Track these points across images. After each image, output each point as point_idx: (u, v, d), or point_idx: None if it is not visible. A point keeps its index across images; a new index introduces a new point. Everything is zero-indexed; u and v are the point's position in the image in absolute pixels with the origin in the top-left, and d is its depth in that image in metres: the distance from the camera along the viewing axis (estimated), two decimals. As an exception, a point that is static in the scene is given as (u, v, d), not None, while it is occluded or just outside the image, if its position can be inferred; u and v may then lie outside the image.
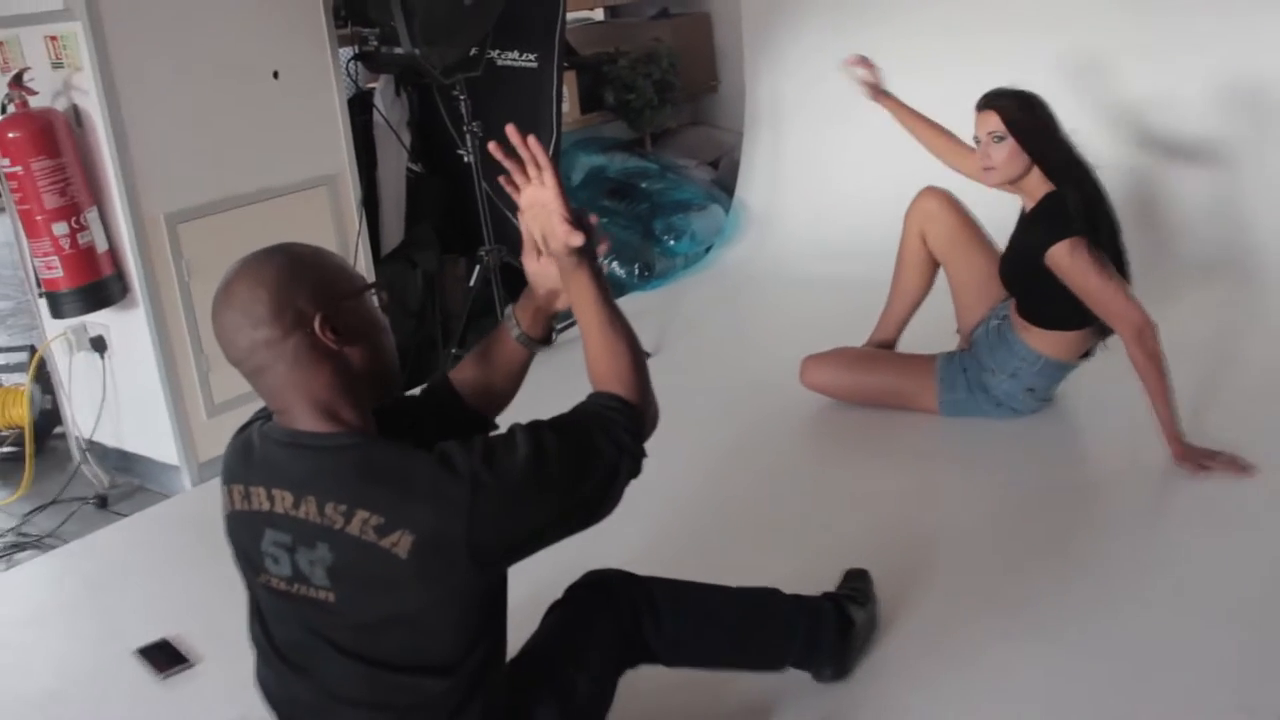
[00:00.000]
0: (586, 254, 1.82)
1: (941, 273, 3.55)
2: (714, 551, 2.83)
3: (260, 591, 1.74)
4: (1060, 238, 2.99)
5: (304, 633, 1.70)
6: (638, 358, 1.87)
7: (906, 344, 3.66)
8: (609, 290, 1.87)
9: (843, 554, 2.74)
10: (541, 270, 1.95)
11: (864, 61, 3.57)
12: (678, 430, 3.59)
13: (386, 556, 1.57)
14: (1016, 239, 3.21)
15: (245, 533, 1.70)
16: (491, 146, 1.87)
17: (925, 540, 2.82)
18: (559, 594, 2.04)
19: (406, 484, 1.58)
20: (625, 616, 2.01)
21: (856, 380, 3.54)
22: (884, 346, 3.67)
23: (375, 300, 1.75)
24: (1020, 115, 3.07)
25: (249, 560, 1.72)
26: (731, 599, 2.14)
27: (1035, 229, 3.09)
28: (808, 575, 2.64)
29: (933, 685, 2.26)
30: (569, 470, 1.68)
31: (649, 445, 1.82)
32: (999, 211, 3.36)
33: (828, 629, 2.23)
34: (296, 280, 1.64)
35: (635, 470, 1.77)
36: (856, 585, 2.45)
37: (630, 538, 2.87)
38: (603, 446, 1.73)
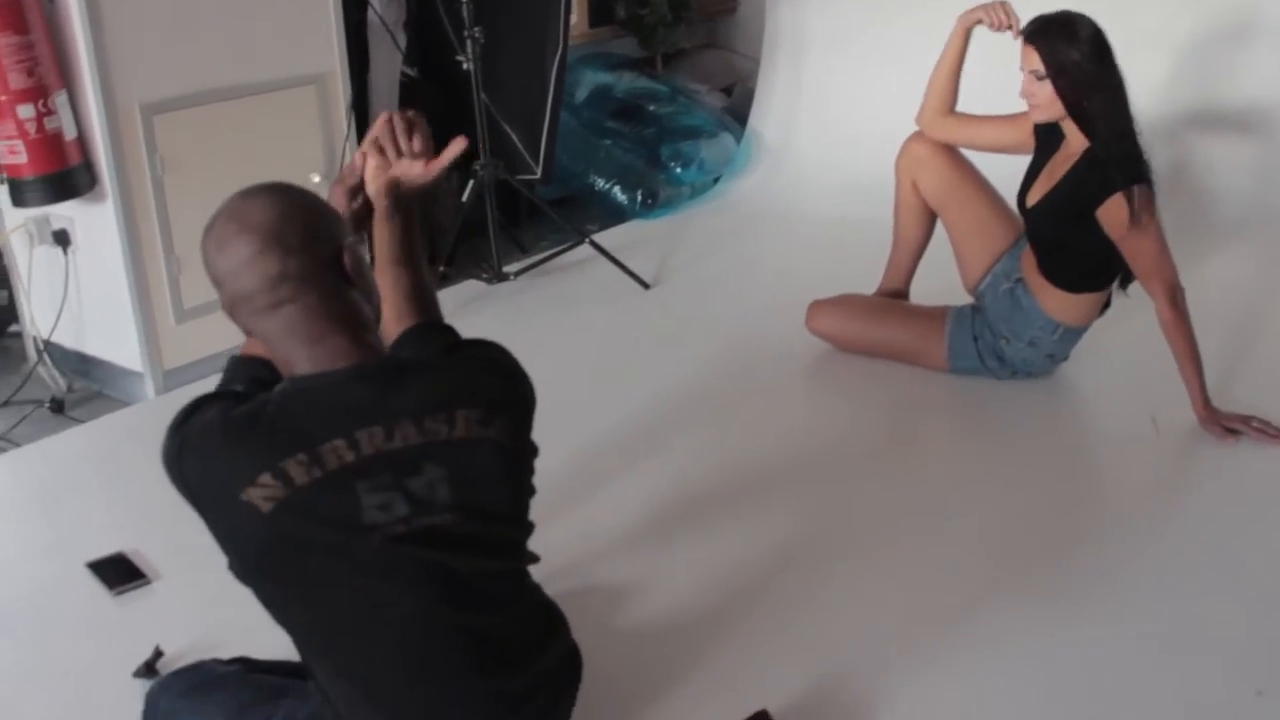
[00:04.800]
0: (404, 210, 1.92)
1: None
2: (703, 501, 2.81)
3: (358, 574, 1.59)
4: (1118, 187, 2.91)
5: (423, 592, 1.61)
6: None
7: (918, 292, 3.63)
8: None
9: (836, 512, 2.75)
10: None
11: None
12: (674, 366, 3.65)
13: (492, 446, 1.64)
14: (1062, 190, 3.07)
15: (329, 502, 1.56)
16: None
17: (924, 502, 2.81)
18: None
19: (483, 371, 1.71)
20: None
21: (864, 330, 3.51)
22: (895, 296, 3.63)
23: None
24: (1061, 58, 2.97)
25: (346, 528, 1.56)
26: None
27: (1088, 178, 2.99)
28: (794, 532, 2.65)
29: (935, 657, 2.24)
30: None
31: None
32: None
33: None
34: (321, 211, 1.67)
35: None
36: None
37: (620, 483, 2.87)
38: None
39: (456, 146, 1.97)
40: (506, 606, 1.72)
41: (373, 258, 1.87)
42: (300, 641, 1.70)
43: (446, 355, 1.75)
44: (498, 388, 1.71)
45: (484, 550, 1.67)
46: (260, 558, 1.59)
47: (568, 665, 1.86)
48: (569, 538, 2.50)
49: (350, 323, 1.64)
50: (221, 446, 1.57)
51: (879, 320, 3.51)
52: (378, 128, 1.94)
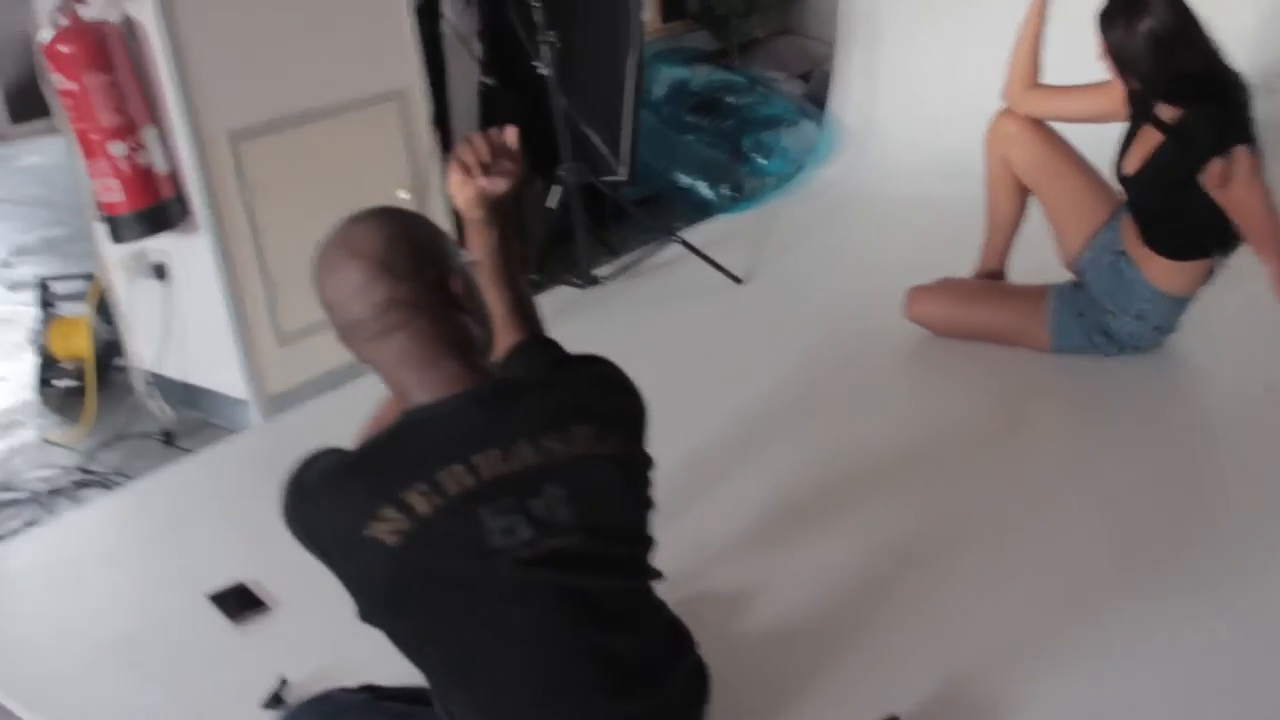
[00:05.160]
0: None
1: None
2: (813, 499, 2.78)
3: (488, 601, 1.58)
4: (1219, 150, 2.84)
5: (553, 615, 1.60)
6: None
7: (1017, 271, 3.56)
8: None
9: (950, 504, 2.71)
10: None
11: None
12: (773, 361, 3.63)
13: (609, 462, 1.64)
14: (1160, 156, 3.00)
15: (454, 530, 1.55)
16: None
17: (1041, 489, 2.76)
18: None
19: (594, 386, 1.72)
20: None
21: (964, 314, 3.46)
22: (992, 277, 3.57)
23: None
24: (1122, 47, 2.93)
25: (474, 555, 1.56)
26: None
27: (1187, 141, 2.92)
28: (909, 528, 2.61)
29: (1066, 653, 2.19)
30: None
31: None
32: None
33: None
34: (430, 235, 1.68)
35: None
36: None
37: (727, 485, 2.85)
38: None
39: (512, 134, 1.92)
40: (635, 625, 1.70)
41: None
42: (431, 675, 1.70)
43: (556, 372, 1.75)
44: (610, 402, 1.71)
45: (609, 569, 1.66)
46: (390, 594, 1.59)
47: (696, 682, 1.84)
48: (680, 545, 2.45)
49: (462, 347, 1.64)
50: (340, 487, 1.58)
51: (979, 303, 3.45)
52: (462, 148, 1.93)
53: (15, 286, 5.47)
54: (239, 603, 2.63)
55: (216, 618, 2.60)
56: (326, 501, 1.58)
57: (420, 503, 1.54)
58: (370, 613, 1.63)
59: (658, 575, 1.78)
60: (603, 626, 1.64)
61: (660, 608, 1.81)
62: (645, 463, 1.74)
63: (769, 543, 2.62)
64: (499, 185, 1.89)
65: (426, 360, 1.62)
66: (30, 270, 5.69)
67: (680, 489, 2.75)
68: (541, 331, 1.95)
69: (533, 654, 1.62)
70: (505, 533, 1.56)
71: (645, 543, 1.75)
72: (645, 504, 1.74)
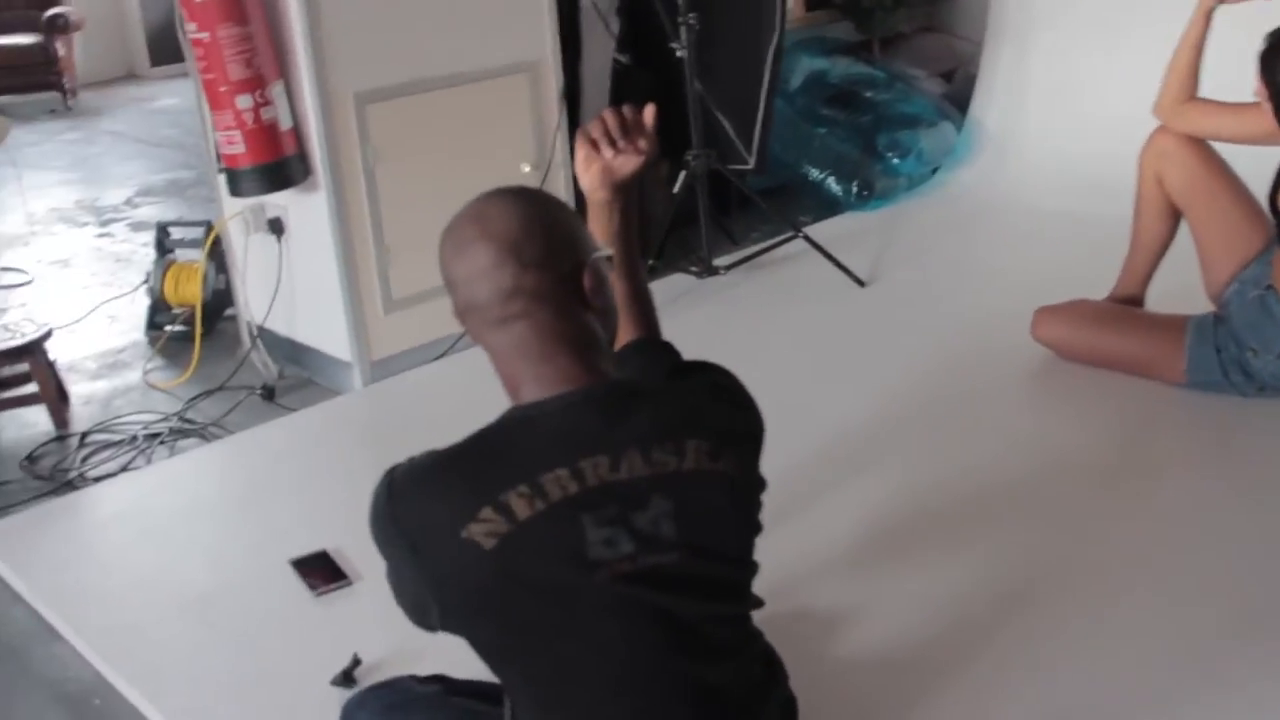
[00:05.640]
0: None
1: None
2: (920, 521, 2.69)
3: (582, 615, 1.50)
4: None
5: (648, 637, 1.51)
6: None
7: (1155, 296, 3.40)
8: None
9: (1064, 543, 2.60)
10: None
11: None
12: (889, 371, 3.52)
13: (721, 480, 1.55)
14: None
15: (554, 536, 1.47)
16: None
17: (1163, 535, 2.63)
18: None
19: (713, 399, 1.62)
20: None
21: (1094, 339, 3.32)
22: (1129, 302, 3.43)
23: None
24: (1278, 88, 2.80)
25: (572, 564, 1.47)
26: None
27: None
28: (1018, 563, 2.50)
29: (1168, 711, 2.07)
30: None
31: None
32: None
33: None
34: (568, 224, 1.60)
35: None
36: None
37: (833, 498, 2.76)
38: None
39: (650, 112, 1.85)
40: (730, 655, 1.60)
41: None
42: (513, 686, 1.62)
43: (675, 380, 1.67)
44: (728, 417, 1.62)
45: (709, 593, 1.57)
46: (483, 599, 1.50)
47: (786, 718, 1.75)
48: (780, 557, 2.37)
49: (582, 344, 1.56)
50: (438, 483, 1.51)
51: (1112, 329, 3.31)
52: (593, 124, 1.86)
53: (138, 227, 5.55)
54: (321, 572, 2.61)
55: (297, 585, 2.58)
56: (421, 499, 1.50)
57: (521, 506, 1.47)
58: (459, 615, 1.54)
59: (759, 603, 1.69)
60: (697, 653, 1.55)
61: (757, 636, 1.71)
62: (758, 485, 1.65)
63: (868, 564, 2.53)
64: (628, 164, 1.81)
65: (545, 355, 1.54)
66: (154, 211, 5.79)
67: (784, 498, 2.62)
68: (658, 331, 1.88)
69: (620, 674, 1.53)
70: (606, 544, 1.48)
71: (749, 568, 1.65)
72: (753, 527, 1.64)
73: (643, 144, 1.81)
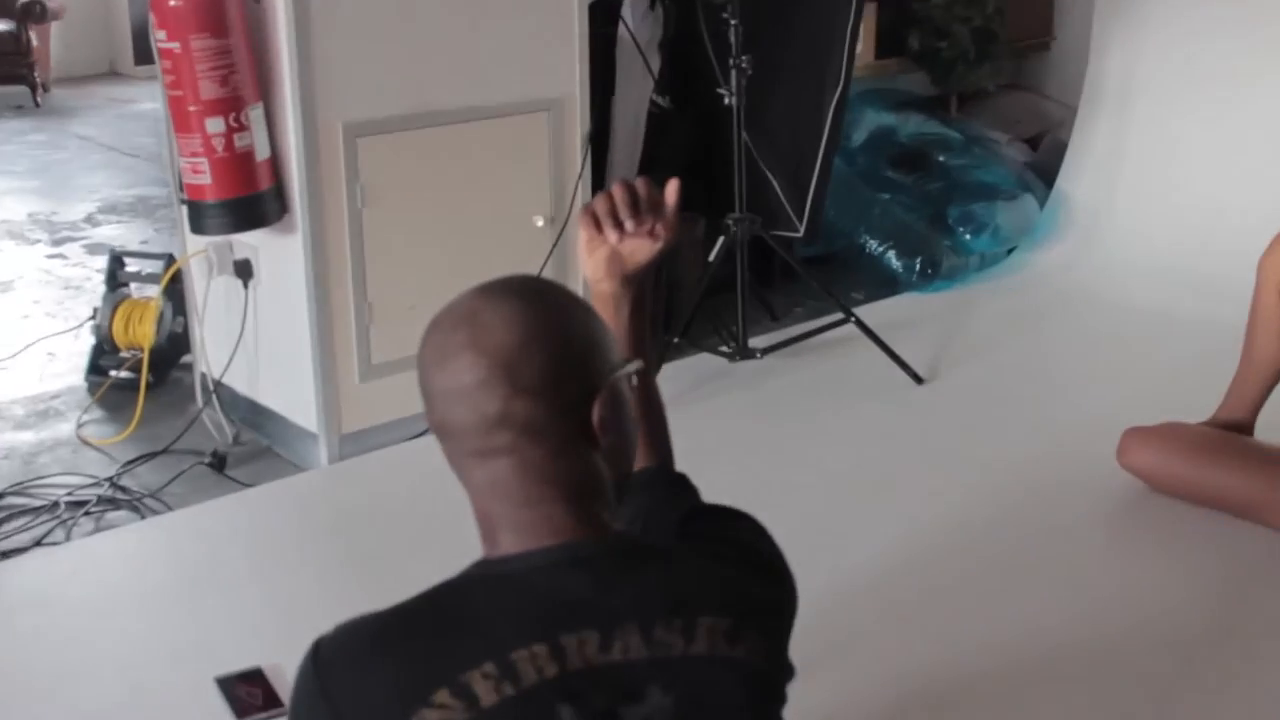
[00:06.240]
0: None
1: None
2: (973, 685, 2.52)
3: None
4: None
5: None
6: None
7: (1265, 426, 3.25)
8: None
9: (1154, 713, 2.39)
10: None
11: None
12: (944, 490, 3.35)
13: (738, 670, 1.37)
14: None
15: None
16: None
17: (1258, 713, 2.45)
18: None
19: (738, 564, 1.46)
20: None
21: (1193, 473, 3.17)
22: (1236, 429, 3.28)
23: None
24: None
25: None
26: None
27: None
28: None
29: None
30: None
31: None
32: None
33: None
34: (586, 338, 1.41)
35: None
36: None
37: (869, 643, 2.60)
38: None
39: (673, 191, 1.69)
40: None
41: None
42: None
43: (690, 535, 1.49)
44: (754, 588, 1.44)
45: None
46: None
47: None
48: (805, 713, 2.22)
49: (578, 491, 1.39)
50: (380, 652, 1.33)
51: (1215, 461, 3.17)
52: (599, 199, 1.70)
53: (95, 249, 5.45)
54: (252, 694, 2.45)
55: (220, 709, 2.41)
56: (357, 671, 1.32)
57: (485, 689, 1.29)
58: None
59: None
60: None
61: None
62: (783, 674, 1.46)
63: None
64: (640, 252, 1.67)
65: (529, 500, 1.38)
66: (114, 232, 5.69)
67: (810, 645, 2.46)
68: (669, 456, 1.72)
69: None
70: None
71: None
72: None
73: (660, 229, 1.66)
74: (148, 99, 8.59)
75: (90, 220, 5.99)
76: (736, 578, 1.43)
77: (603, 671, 1.32)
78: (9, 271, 5.24)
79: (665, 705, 1.33)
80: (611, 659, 1.32)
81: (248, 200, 3.23)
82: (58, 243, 5.65)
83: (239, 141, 3.18)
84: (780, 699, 1.45)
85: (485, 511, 1.41)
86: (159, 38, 3.13)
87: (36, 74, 8.60)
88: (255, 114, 3.20)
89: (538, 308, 1.39)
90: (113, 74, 9.73)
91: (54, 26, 8.81)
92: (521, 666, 1.30)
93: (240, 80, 3.15)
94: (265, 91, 3.24)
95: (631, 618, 1.34)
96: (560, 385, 1.36)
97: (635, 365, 1.49)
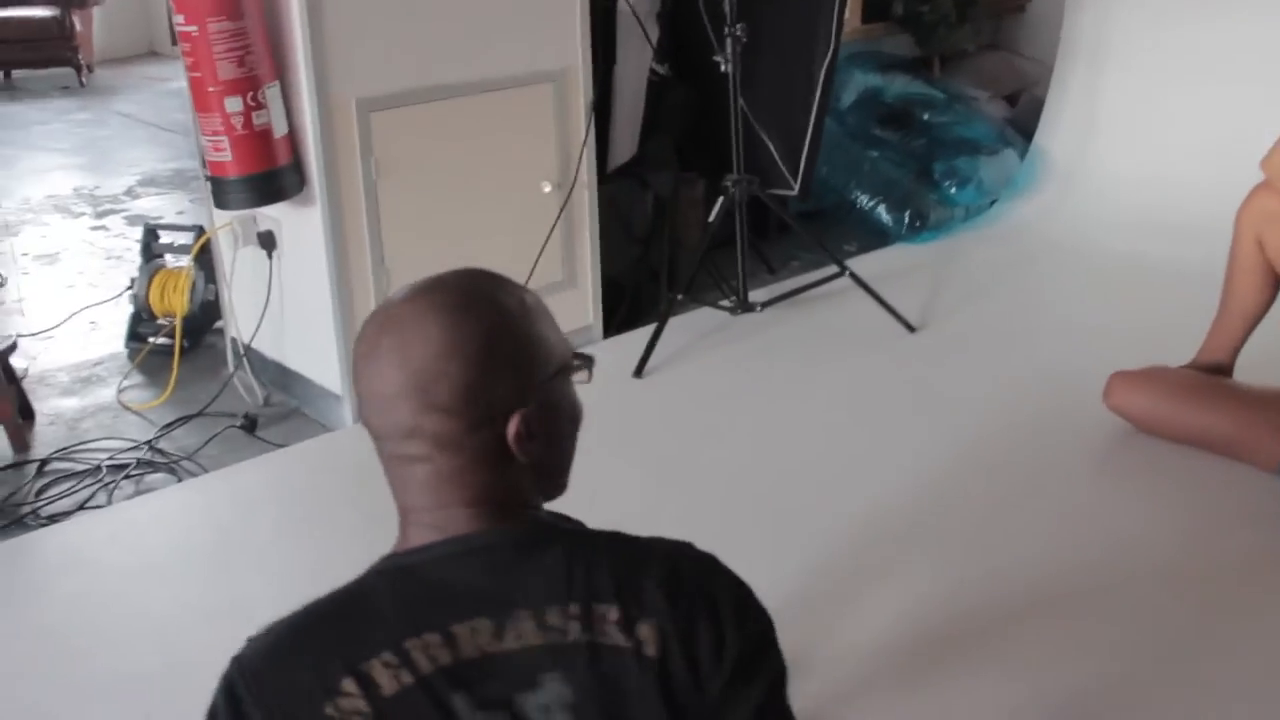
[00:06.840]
0: None
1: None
2: (968, 620, 2.38)
3: None
4: None
5: None
6: None
7: (1246, 365, 3.11)
8: None
9: (1130, 657, 2.29)
10: None
11: None
12: (938, 433, 3.21)
13: (634, 660, 1.20)
14: None
15: None
16: None
17: (1247, 653, 2.31)
18: None
19: (653, 550, 1.29)
20: None
21: (1176, 414, 3.04)
22: (1216, 371, 3.13)
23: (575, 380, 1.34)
24: None
25: None
26: None
27: None
28: (1078, 680, 2.19)
29: None
30: None
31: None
32: None
33: None
34: (501, 357, 1.24)
35: None
36: None
37: (869, 583, 2.46)
38: None
39: None
40: None
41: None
42: None
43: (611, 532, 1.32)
44: (673, 578, 1.25)
45: None
46: None
47: None
48: (807, 658, 2.10)
49: (490, 497, 1.25)
50: (296, 643, 1.21)
51: (1196, 403, 3.02)
52: None
53: (135, 220, 5.29)
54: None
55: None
56: (277, 663, 1.20)
57: (385, 679, 1.17)
58: None
59: None
60: None
61: None
62: (713, 683, 1.23)
63: (910, 668, 2.22)
64: None
65: (439, 502, 1.25)
66: (154, 204, 5.54)
67: (811, 586, 2.35)
68: None
69: None
70: None
71: None
72: None
73: None
74: (184, 78, 8.44)
75: (131, 193, 5.83)
76: (658, 563, 1.26)
77: (497, 660, 1.19)
78: (56, 244, 5.09)
79: (564, 694, 1.19)
80: (505, 647, 1.19)
81: (267, 175, 3.08)
82: (100, 215, 5.49)
83: (257, 119, 3.01)
84: (706, 705, 1.23)
85: (401, 506, 1.28)
86: (178, 21, 2.98)
87: (80, 56, 8.42)
88: (272, 92, 3.04)
89: (463, 323, 1.23)
90: (151, 54, 9.53)
91: (96, 11, 8.61)
92: (415, 655, 1.18)
93: (256, 60, 2.99)
94: (281, 70, 3.07)
95: (525, 604, 1.20)
96: (473, 403, 1.22)
97: (584, 365, 1.33)
